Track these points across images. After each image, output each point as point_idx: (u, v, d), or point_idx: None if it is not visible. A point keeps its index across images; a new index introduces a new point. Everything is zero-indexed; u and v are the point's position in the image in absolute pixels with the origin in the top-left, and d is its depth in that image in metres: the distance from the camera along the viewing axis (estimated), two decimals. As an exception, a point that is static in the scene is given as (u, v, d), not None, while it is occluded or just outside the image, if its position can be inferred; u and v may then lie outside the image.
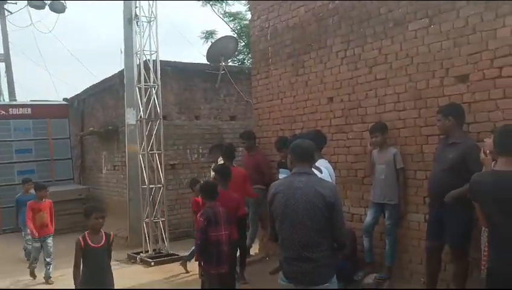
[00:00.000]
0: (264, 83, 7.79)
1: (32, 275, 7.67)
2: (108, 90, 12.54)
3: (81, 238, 4.57)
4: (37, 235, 7.45)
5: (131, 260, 8.67)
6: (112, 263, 8.43)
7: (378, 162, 5.61)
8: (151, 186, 8.79)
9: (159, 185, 8.89)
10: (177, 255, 8.56)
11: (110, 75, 11.81)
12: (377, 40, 5.83)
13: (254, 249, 8.04)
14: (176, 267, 7.95)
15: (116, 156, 12.19)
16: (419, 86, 5.34)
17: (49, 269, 7.47)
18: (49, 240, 7.57)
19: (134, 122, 9.45)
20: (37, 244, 7.60)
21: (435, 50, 5.16)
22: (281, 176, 6.47)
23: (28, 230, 8.31)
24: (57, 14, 12.22)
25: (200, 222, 4.50)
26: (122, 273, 7.84)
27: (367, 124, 5.94)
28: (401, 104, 5.55)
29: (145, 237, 8.68)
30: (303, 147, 3.44)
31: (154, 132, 8.82)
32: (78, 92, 14.75)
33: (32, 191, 8.45)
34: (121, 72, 11.07)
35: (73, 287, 4.55)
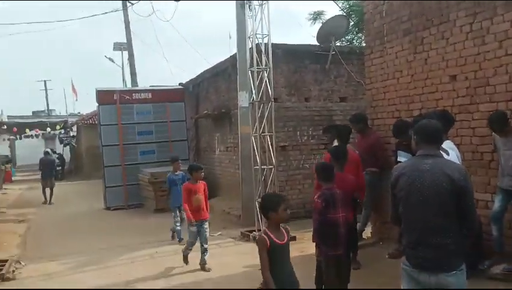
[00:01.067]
0: (378, 62, 7.52)
1: (185, 260, 7.27)
2: (221, 75, 13.01)
3: (265, 236, 3.70)
4: (193, 219, 6.93)
5: (245, 237, 9.00)
6: (227, 240, 9.00)
7: (505, 147, 5.18)
8: (262, 167, 9.00)
9: (270, 166, 9.07)
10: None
11: (219, 59, 12.22)
12: (509, 10, 5.32)
13: (366, 233, 7.92)
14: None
15: (229, 138, 12.65)
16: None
17: (205, 256, 7.03)
18: (206, 225, 7.07)
19: (246, 105, 9.70)
20: (194, 229, 6.98)
21: None
22: (400, 159, 6.27)
23: (178, 212, 8.81)
24: (176, 2, 12.82)
25: (317, 204, 4.51)
26: (239, 250, 8.20)
27: (495, 103, 5.48)
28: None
29: (258, 216, 8.93)
30: (430, 127, 3.27)
31: (266, 114, 8.99)
32: (193, 77, 15.52)
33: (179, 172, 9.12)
34: (233, 57, 11.42)
35: None
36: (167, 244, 8.80)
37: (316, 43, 11.01)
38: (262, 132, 9.01)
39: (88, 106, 55.99)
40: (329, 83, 10.96)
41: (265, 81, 8.97)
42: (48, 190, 16.38)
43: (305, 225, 9.06)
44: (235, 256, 7.75)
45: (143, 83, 21.38)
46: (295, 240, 8.49)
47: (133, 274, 6.98)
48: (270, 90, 9.02)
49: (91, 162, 24.93)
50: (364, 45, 9.38)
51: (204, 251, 7.02)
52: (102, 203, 14.19)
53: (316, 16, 18.21)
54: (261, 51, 8.94)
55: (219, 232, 9.63)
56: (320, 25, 11.91)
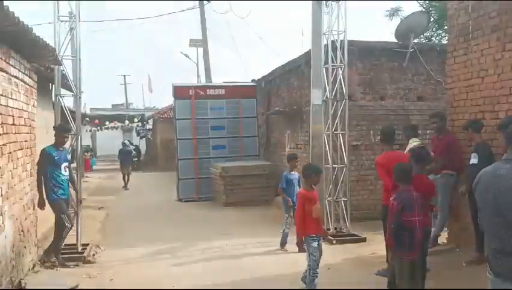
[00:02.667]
0: (461, 60, 7.15)
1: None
2: (294, 71, 12.97)
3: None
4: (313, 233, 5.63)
5: (313, 235, 8.92)
6: (294, 237, 8.94)
7: None
8: (334, 165, 8.89)
9: (341, 165, 8.94)
10: (358, 236, 8.55)
11: (291, 56, 12.16)
12: None
13: (441, 238, 7.59)
14: (356, 249, 7.96)
15: (299, 135, 12.61)
16: None
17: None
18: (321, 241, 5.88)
19: (319, 103, 9.60)
20: (315, 244, 5.72)
21: None
22: (472, 161, 5.97)
23: (292, 213, 7.89)
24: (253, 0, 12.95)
25: (394, 206, 4.37)
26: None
27: None
28: None
29: (327, 215, 8.84)
30: (518, 132, 3.06)
31: (339, 113, 8.87)
32: (265, 74, 15.61)
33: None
34: (306, 53, 11.34)
35: None
36: (236, 237, 8.93)
37: (393, 40, 10.67)
38: (334, 130, 8.91)
39: (163, 100, 58.18)
40: (407, 81, 10.58)
41: (340, 78, 8.85)
42: (125, 177, 18.51)
43: (376, 227, 8.84)
44: (303, 254, 7.70)
45: (217, 79, 21.82)
46: (365, 241, 8.35)
47: (203, 265, 7.16)
48: (344, 88, 8.89)
49: (165, 155, 25.87)
50: (446, 42, 8.97)
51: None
52: (175, 194, 14.68)
53: (393, 12, 17.69)
54: (337, 47, 8.82)
55: (288, 229, 9.63)
56: (398, 21, 11.56)
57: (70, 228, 7.19)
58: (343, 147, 8.95)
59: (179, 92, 14.74)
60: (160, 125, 28.80)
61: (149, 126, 33.36)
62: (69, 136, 7.54)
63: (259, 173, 13.45)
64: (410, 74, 10.59)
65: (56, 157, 6.95)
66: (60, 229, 7.03)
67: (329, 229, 8.75)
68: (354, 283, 5.96)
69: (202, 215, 11.89)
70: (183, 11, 36.75)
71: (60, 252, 7.08)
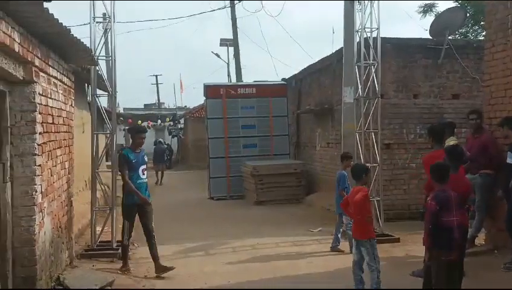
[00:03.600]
0: (500, 56, 6.95)
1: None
2: (325, 70, 12.89)
3: None
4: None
5: (345, 235, 8.82)
6: (327, 237, 8.90)
7: None
8: (366, 164, 8.77)
9: (374, 164, 8.82)
10: (392, 236, 8.42)
11: (321, 55, 12.08)
12: None
13: (479, 239, 7.40)
14: (390, 249, 7.84)
15: (330, 134, 12.52)
16: None
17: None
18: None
19: (351, 101, 9.51)
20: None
21: None
22: (509, 160, 5.80)
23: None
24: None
25: (431, 206, 4.29)
26: (339, 246, 8.08)
27: None
28: None
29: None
30: None
31: (372, 111, 8.77)
32: (296, 72, 15.57)
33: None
34: (338, 51, 11.25)
35: None
36: (268, 236, 8.94)
37: (427, 36, 10.47)
38: (366, 129, 8.80)
39: (194, 99, 58.76)
40: (441, 78, 10.35)
41: (373, 76, 8.74)
42: (159, 173, 19.61)
43: (409, 227, 8.74)
44: (337, 254, 7.66)
45: (247, 78, 21.94)
46: (399, 241, 8.23)
47: (234, 263, 7.20)
48: (377, 86, 8.78)
49: (196, 153, 26.13)
50: (482, 38, 8.73)
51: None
52: (206, 192, 14.81)
53: (427, 8, 17.36)
54: (369, 45, 8.71)
55: (319, 228, 9.60)
56: (432, 18, 11.33)
57: (128, 239, 6.88)
58: (375, 145, 8.84)
59: (210, 91, 14.86)
60: (192, 124, 29.11)
61: (180, 125, 33.75)
62: (144, 136, 7.05)
63: (290, 171, 13.42)
64: (445, 71, 10.36)
65: (134, 161, 6.67)
66: (123, 234, 6.82)
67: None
68: (389, 284, 5.88)
69: (233, 213, 11.96)
70: (213, 10, 36.96)
71: (126, 258, 6.83)
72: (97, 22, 7.85)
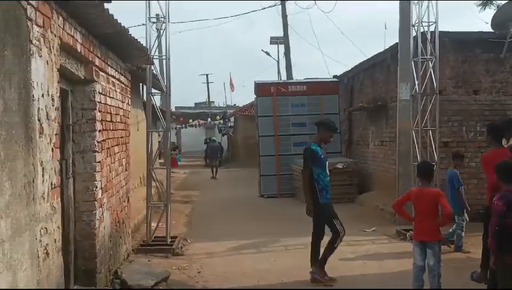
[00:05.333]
0: None
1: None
2: (379, 66, 12.58)
3: None
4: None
5: (400, 236, 8.61)
6: (381, 237, 8.72)
7: None
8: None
9: (432, 163, 8.50)
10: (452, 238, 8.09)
11: (373, 51, 11.80)
12: None
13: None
14: (450, 251, 7.55)
15: (384, 132, 12.21)
16: None
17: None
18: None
19: (407, 98, 9.24)
20: None
21: None
22: None
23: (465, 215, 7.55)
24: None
25: (498, 206, 4.06)
26: (394, 248, 7.87)
27: None
28: None
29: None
30: None
31: (429, 108, 8.47)
32: (348, 69, 15.30)
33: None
34: (392, 47, 10.95)
35: None
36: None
37: (487, 30, 9.99)
38: (424, 126, 8.51)
39: (243, 97, 59.14)
40: (504, 74, 9.85)
41: (430, 72, 8.44)
42: (214, 169, 21.68)
43: (469, 228, 8.32)
44: (391, 255, 7.46)
45: (297, 76, 21.79)
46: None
47: (287, 262, 7.15)
48: (434, 82, 8.48)
49: (246, 152, 26.28)
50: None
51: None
52: (256, 190, 14.85)
53: (487, 1, 16.55)
54: (427, 39, 8.41)
55: (373, 228, 9.40)
56: (492, 10, 10.79)
57: (344, 234, 6.15)
58: (433, 144, 8.53)
59: (261, 89, 14.86)
60: (242, 122, 29.29)
61: (230, 123, 34.06)
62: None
63: (342, 170, 13.20)
64: (508, 66, 9.87)
65: (322, 156, 6.12)
66: (333, 238, 6.14)
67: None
68: (450, 286, 5.65)
69: (284, 211, 11.91)
70: (264, 8, 36.94)
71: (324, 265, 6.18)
72: (152, 22, 8.00)
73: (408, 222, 6.33)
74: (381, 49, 12.26)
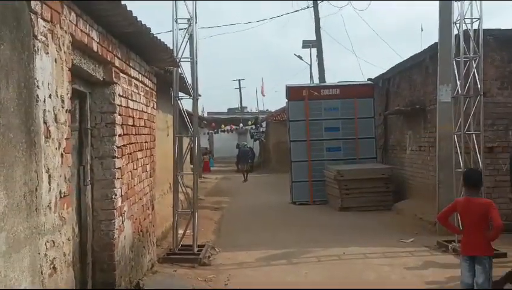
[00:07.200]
0: None
1: None
2: (416, 68, 12.01)
3: None
4: None
5: (442, 248, 8.03)
6: (421, 248, 8.16)
7: None
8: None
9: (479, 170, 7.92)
10: (497, 250, 7.45)
11: (408, 54, 11.24)
12: None
13: None
14: (494, 265, 6.92)
15: (423, 136, 11.61)
16: None
17: None
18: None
19: (448, 100, 8.67)
20: None
21: None
22: None
23: None
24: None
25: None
26: (437, 261, 7.31)
27: None
28: None
29: (457, 223, 7.87)
30: None
31: (473, 110, 7.88)
32: (383, 72, 14.74)
33: None
34: (431, 47, 10.40)
35: None
36: (354, 245, 8.35)
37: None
38: (467, 130, 7.93)
39: (275, 103, 58.76)
40: (556, 73, 9.15)
41: (474, 72, 7.86)
42: (245, 173, 22.89)
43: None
44: (434, 269, 6.91)
45: (330, 80, 21.28)
46: (506, 257, 7.28)
47: (319, 275, 6.72)
48: (478, 83, 7.89)
49: (278, 157, 25.90)
50: None
51: None
52: (288, 196, 14.43)
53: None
54: (469, 37, 7.85)
55: (411, 239, 8.83)
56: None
57: None
58: (477, 149, 7.93)
59: (293, 93, 14.47)
60: (273, 127, 28.94)
61: (262, 129, 33.77)
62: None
63: (378, 176, 12.65)
64: (559, 65, 9.15)
65: None
66: None
67: (460, 241, 7.77)
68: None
69: (316, 219, 11.46)
70: (296, 11, 36.65)
71: None
72: (179, 24, 7.75)
73: (455, 234, 5.77)
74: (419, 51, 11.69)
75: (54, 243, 3.05)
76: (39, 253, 2.81)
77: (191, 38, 7.69)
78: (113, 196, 4.72)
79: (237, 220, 11.59)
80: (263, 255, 7.89)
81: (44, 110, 2.97)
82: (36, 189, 2.80)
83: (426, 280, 6.36)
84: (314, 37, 21.29)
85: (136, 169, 5.70)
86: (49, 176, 3.02)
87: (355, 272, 6.80)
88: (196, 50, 7.85)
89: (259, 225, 10.74)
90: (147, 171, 6.34)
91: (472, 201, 4.73)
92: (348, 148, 14.14)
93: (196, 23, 7.73)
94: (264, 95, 41.95)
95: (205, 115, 35.47)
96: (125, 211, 5.10)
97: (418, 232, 9.43)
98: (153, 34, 5.15)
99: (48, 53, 3.03)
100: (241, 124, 32.73)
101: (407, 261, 7.35)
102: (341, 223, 10.76)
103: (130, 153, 5.38)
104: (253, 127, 33.13)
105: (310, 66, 27.32)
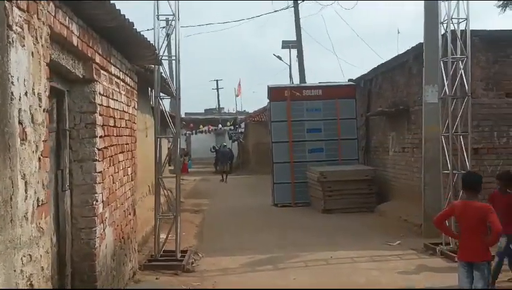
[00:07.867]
0: None
1: None
2: (399, 68, 11.94)
3: None
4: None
5: (429, 250, 7.93)
6: (408, 251, 8.04)
7: None
8: (454, 171, 7.83)
9: (462, 171, 7.83)
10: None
11: (387, 55, 11.17)
12: None
13: None
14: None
15: (406, 138, 11.54)
16: None
17: None
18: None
19: (434, 101, 8.59)
20: None
21: None
22: None
23: None
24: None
25: None
26: (426, 264, 7.17)
27: None
28: None
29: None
30: None
31: (460, 111, 7.80)
32: (364, 72, 14.65)
33: None
34: (415, 47, 10.32)
35: None
36: (340, 248, 8.17)
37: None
38: (454, 132, 7.84)
39: (253, 103, 58.50)
40: (540, 75, 9.17)
41: (461, 73, 7.79)
42: (224, 174, 22.86)
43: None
44: (424, 274, 6.76)
45: (310, 81, 21.13)
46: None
47: (307, 280, 6.51)
48: (466, 84, 7.82)
49: (257, 158, 25.68)
50: None
51: None
52: (269, 198, 14.19)
53: (506, 3, 15.82)
54: (456, 38, 7.76)
55: (398, 241, 8.71)
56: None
57: None
58: (464, 150, 7.86)
59: (275, 93, 14.25)
60: (252, 128, 28.71)
61: (241, 129, 33.50)
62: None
63: (361, 178, 12.53)
64: (543, 67, 9.17)
65: None
66: None
67: (449, 244, 7.69)
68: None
69: (300, 221, 11.26)
70: (276, 11, 36.47)
71: None
72: (160, 21, 7.44)
73: (452, 238, 5.61)
74: (394, 54, 11.64)
75: (30, 257, 2.74)
76: (15, 270, 2.49)
77: (173, 35, 7.39)
78: (94, 202, 4.40)
79: (219, 224, 11.29)
80: (248, 260, 7.64)
81: (20, 109, 2.65)
82: (11, 198, 2.49)
83: (416, 283, 6.21)
84: (293, 38, 21.17)
85: (118, 172, 5.38)
86: (26, 182, 2.70)
87: (343, 277, 6.61)
88: (178, 48, 7.56)
89: (241, 229, 10.47)
90: (128, 174, 6.01)
91: (470, 205, 4.58)
92: (330, 150, 13.99)
93: (178, 20, 7.43)
94: (237, 96, 41.66)
95: (183, 115, 34.98)
96: (106, 217, 4.78)
97: (404, 235, 9.32)
98: (136, 29, 4.85)
99: (24, 46, 2.71)
100: (219, 125, 32.38)
101: (397, 265, 7.20)
102: (324, 225, 10.58)
103: (112, 156, 5.06)
104: (232, 128, 32.82)
105: (290, 66, 27.16)
